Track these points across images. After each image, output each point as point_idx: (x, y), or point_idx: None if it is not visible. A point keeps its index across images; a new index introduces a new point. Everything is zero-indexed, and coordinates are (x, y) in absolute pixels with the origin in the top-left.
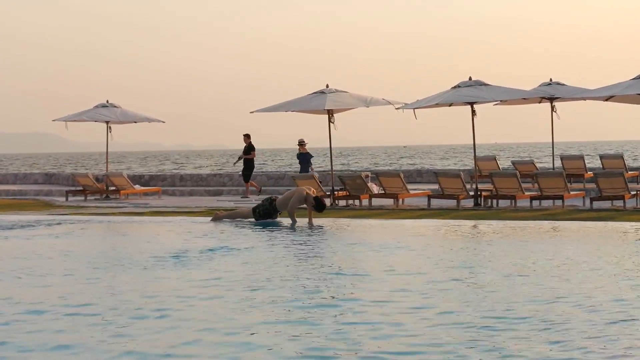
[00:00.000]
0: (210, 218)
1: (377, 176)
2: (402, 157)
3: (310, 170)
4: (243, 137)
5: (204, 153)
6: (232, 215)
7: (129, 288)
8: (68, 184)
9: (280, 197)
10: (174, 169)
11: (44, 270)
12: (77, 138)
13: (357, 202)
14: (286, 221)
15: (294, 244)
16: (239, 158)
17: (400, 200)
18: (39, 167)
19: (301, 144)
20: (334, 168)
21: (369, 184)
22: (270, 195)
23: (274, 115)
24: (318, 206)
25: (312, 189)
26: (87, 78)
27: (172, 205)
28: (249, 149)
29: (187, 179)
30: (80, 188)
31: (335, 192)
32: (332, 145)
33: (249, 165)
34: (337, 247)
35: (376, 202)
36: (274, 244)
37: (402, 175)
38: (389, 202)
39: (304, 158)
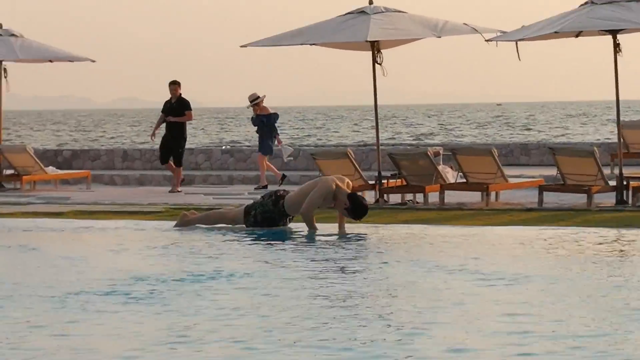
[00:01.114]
0: (174, 223)
1: (454, 154)
2: (495, 120)
3: (275, 142)
4: (169, 86)
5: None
6: (211, 219)
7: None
8: None
9: (291, 192)
10: (112, 138)
11: None
12: None
13: (420, 197)
14: (299, 227)
15: (313, 274)
16: (162, 122)
17: (493, 195)
18: None
19: (255, 101)
20: (381, 141)
21: (441, 167)
22: (274, 190)
23: (276, 55)
24: (355, 209)
25: (346, 179)
26: None
27: (110, 200)
28: (181, 106)
29: (134, 157)
30: None
31: (384, 182)
32: (378, 102)
33: (180, 134)
34: (389, 279)
35: (452, 196)
36: (279, 272)
37: (495, 153)
38: (473, 197)
39: (264, 123)
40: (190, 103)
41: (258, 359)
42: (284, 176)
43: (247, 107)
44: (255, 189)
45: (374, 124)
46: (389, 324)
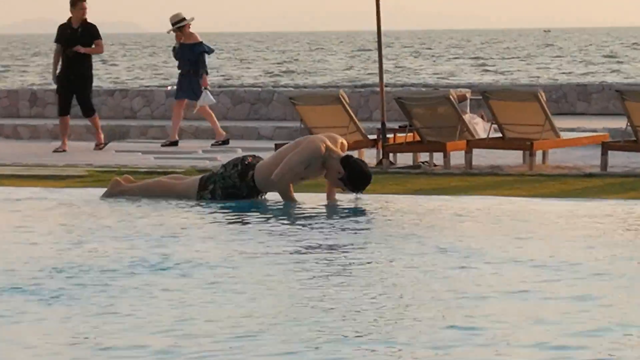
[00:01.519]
0: (103, 190)
1: (486, 99)
2: (542, 51)
3: (201, 88)
4: (72, 6)
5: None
6: (153, 191)
7: None
8: None
9: (264, 160)
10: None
11: None
12: None
13: (438, 157)
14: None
15: (296, 256)
16: (58, 58)
17: (540, 155)
18: None
19: (178, 24)
20: (386, 81)
21: (468, 117)
22: (240, 156)
23: None
24: (352, 178)
25: (340, 138)
26: None
27: (12, 160)
28: (88, 33)
29: (46, 101)
30: None
31: (390, 136)
32: (382, 26)
33: (87, 72)
34: (395, 264)
35: (483, 157)
36: (247, 256)
37: (543, 97)
38: (512, 157)
39: (189, 55)
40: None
41: None
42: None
43: (168, 32)
44: (212, 145)
45: (376, 57)
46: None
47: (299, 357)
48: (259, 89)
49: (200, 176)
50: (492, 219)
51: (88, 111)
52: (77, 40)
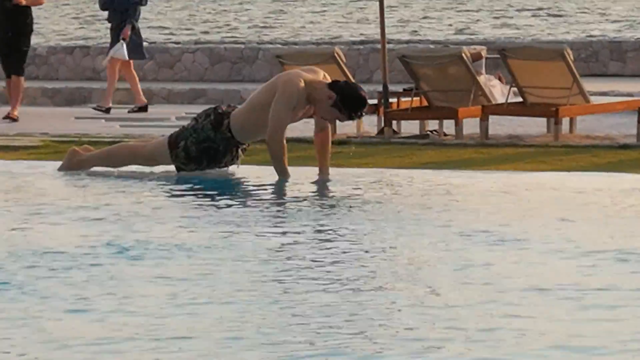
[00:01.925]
0: (59, 164)
1: (504, 57)
2: (575, 9)
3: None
4: None
5: None
6: (115, 158)
7: None
8: None
9: (239, 107)
10: None
11: None
12: None
13: (449, 125)
14: (259, 172)
15: (287, 247)
16: (1, 10)
17: (566, 122)
18: None
19: None
20: (389, 37)
21: (483, 78)
22: (211, 107)
23: None
24: (347, 100)
25: (320, 71)
26: None
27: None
28: None
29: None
30: None
31: (393, 101)
32: None
33: (24, 25)
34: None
35: (501, 125)
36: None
37: (570, 55)
38: (535, 125)
39: (122, 3)
40: None
41: None
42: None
43: None
44: (129, 112)
45: (376, 6)
46: None
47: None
48: (242, 46)
49: (169, 134)
50: (514, 198)
51: (18, 70)
52: None
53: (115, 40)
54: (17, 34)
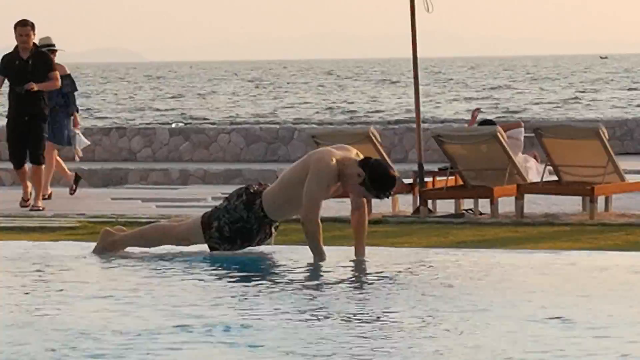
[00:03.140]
0: (94, 244)
1: (539, 136)
2: (600, 81)
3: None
4: (17, 29)
5: (94, 66)
6: (149, 238)
7: None
8: None
9: (271, 185)
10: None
11: None
12: None
13: (486, 203)
14: (294, 254)
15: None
16: (14, 96)
17: (602, 200)
18: None
19: (48, 47)
20: (424, 116)
21: (521, 158)
22: (243, 187)
23: None
24: (375, 179)
25: (352, 149)
26: None
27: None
28: (41, 64)
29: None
30: None
31: (428, 180)
32: (418, 53)
33: (40, 111)
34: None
35: (535, 203)
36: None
37: (605, 134)
38: (570, 203)
39: (58, 92)
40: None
41: None
42: (77, 177)
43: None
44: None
45: (412, 89)
46: None
47: None
48: (277, 126)
49: (201, 214)
50: (555, 277)
51: (39, 159)
52: (27, 73)
53: (58, 125)
54: (33, 120)
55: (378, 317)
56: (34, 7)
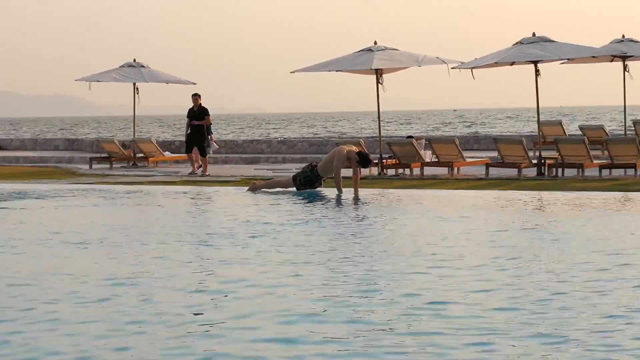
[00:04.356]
0: (246, 188)
1: (429, 142)
2: (459, 123)
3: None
4: (192, 98)
5: (239, 117)
6: (271, 185)
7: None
8: (92, 150)
9: (320, 162)
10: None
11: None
12: (101, 101)
13: (407, 171)
14: (330, 191)
15: (336, 222)
16: (188, 126)
17: (456, 169)
18: (60, 132)
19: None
20: (382, 133)
21: (421, 151)
22: (310, 162)
23: (315, 77)
24: (363, 161)
25: (352, 146)
26: (112, 37)
27: (207, 173)
28: (201, 113)
29: (221, 146)
30: (105, 155)
31: (384, 160)
32: (380, 110)
33: (200, 133)
34: (386, 224)
35: (428, 170)
36: (314, 218)
37: (457, 142)
38: (442, 171)
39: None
40: (209, 110)
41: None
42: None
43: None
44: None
45: (377, 122)
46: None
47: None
48: (320, 139)
49: (293, 174)
50: (434, 199)
51: (202, 154)
52: (195, 117)
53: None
54: (197, 137)
55: (365, 217)
56: None
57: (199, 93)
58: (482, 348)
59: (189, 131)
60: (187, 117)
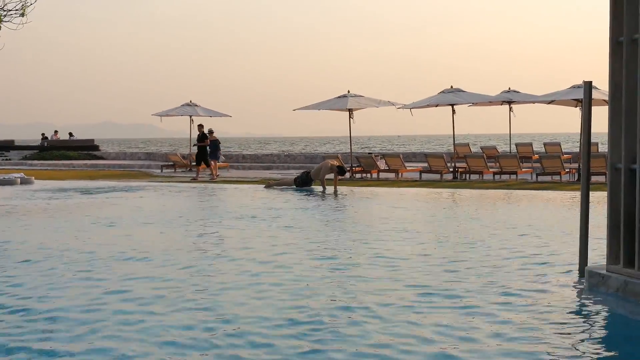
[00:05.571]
0: (263, 186)
1: (383, 156)
2: (402, 144)
3: (219, 155)
4: (197, 127)
5: (262, 139)
6: (280, 184)
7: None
8: (162, 160)
9: (313, 169)
10: (237, 150)
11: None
12: (169, 128)
13: (369, 175)
14: (318, 188)
15: (325, 205)
16: (195, 145)
17: (400, 174)
18: (142, 148)
19: (211, 132)
20: (352, 150)
21: (378, 162)
22: (306, 169)
23: (309, 112)
24: (340, 171)
25: (334, 160)
26: (177, 79)
27: (237, 176)
28: (202, 137)
29: (247, 158)
30: (171, 163)
31: (354, 168)
32: (351, 135)
33: (202, 151)
34: (354, 206)
35: (383, 175)
36: (310, 203)
37: (401, 156)
38: (392, 175)
39: (215, 145)
40: (209, 135)
41: None
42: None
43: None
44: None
45: (349, 144)
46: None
47: None
48: (314, 153)
49: (294, 177)
50: (386, 194)
51: (207, 164)
52: (199, 139)
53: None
54: (202, 153)
55: (341, 204)
56: None
57: (202, 123)
58: None
59: (196, 150)
60: (196, 140)
